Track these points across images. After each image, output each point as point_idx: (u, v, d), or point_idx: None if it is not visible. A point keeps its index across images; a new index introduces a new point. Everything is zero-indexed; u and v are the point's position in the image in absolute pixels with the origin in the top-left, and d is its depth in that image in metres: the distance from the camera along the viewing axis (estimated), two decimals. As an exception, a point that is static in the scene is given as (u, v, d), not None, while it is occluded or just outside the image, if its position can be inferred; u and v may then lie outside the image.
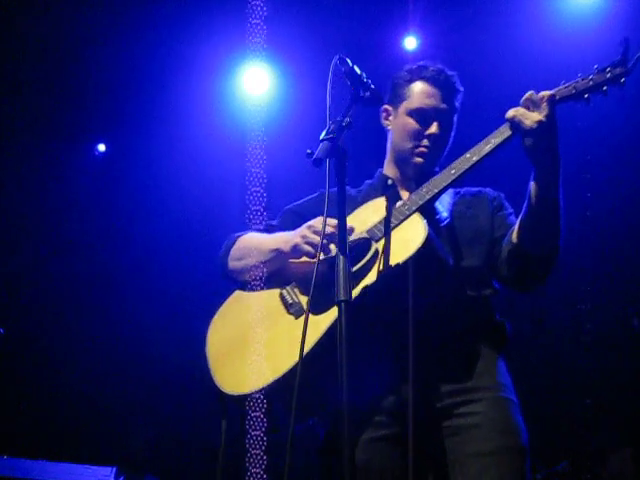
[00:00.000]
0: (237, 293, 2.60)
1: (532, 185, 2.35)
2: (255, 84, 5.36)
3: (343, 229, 2.11)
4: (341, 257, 2.05)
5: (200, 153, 5.52)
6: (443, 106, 2.60)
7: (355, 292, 2.25)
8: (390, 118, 2.71)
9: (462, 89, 2.68)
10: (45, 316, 5.60)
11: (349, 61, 2.27)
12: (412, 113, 2.60)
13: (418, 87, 2.61)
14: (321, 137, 2.13)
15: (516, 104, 2.39)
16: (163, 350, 5.39)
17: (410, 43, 5.31)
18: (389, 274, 2.29)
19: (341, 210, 2.12)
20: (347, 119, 2.17)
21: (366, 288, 2.29)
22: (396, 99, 2.67)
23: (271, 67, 5.31)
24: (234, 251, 2.63)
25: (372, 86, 2.30)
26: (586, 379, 4.62)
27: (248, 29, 4.44)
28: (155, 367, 5.44)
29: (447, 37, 5.15)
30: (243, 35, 4.49)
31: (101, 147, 6.05)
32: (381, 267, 2.32)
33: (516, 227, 2.44)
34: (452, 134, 2.66)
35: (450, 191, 2.64)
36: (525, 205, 2.39)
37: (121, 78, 5.42)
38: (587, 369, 4.60)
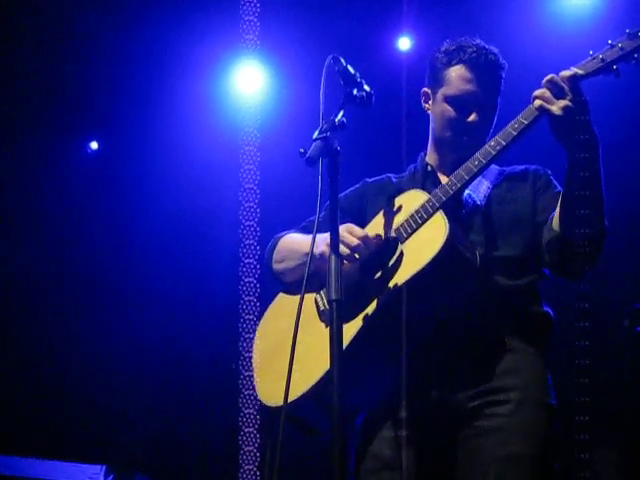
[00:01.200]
0: (280, 296, 2.63)
1: (569, 170, 2.27)
2: (248, 83, 5.35)
3: (336, 231, 2.10)
4: (333, 257, 2.04)
5: (193, 151, 5.51)
6: (482, 93, 2.48)
7: (375, 302, 2.26)
8: (430, 102, 2.62)
9: (505, 64, 2.55)
10: (34, 313, 5.58)
11: (343, 60, 2.27)
12: (451, 100, 2.50)
13: (456, 72, 2.50)
14: (314, 136, 2.12)
15: (511, 104, 2.37)
16: (154, 348, 5.38)
17: (404, 44, 5.31)
18: (407, 283, 2.26)
19: (333, 211, 2.11)
20: (340, 118, 2.17)
21: (386, 295, 2.28)
22: (434, 83, 2.57)
23: (265, 66, 5.30)
24: (276, 253, 2.65)
25: (366, 86, 2.29)
26: (575, 379, 4.63)
27: (242, 27, 4.44)
28: (146, 365, 5.43)
29: (441, 38, 5.12)
30: (237, 33, 4.48)
31: (93, 145, 6.02)
32: (405, 272, 2.28)
33: (556, 214, 2.34)
34: (494, 118, 2.54)
35: (494, 171, 2.55)
36: (564, 191, 2.31)
37: (114, 75, 5.41)
38: (576, 370, 4.61)
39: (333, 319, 1.98)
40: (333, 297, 2.00)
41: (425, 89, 2.65)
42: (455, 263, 2.28)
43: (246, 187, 4.26)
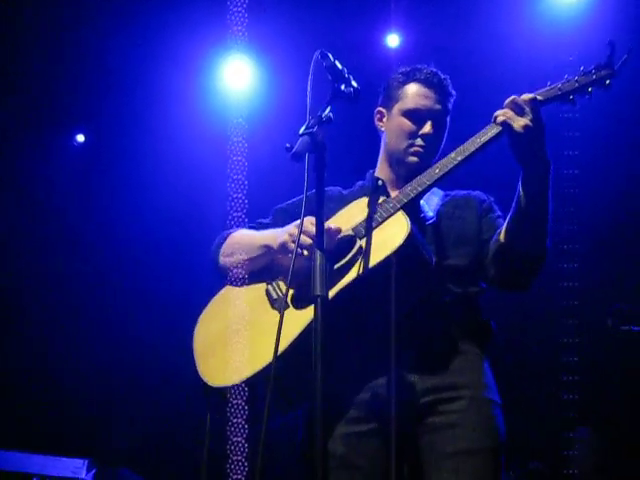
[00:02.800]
0: (226, 289, 2.64)
1: (521, 186, 2.36)
2: (236, 77, 5.35)
3: (321, 224, 2.10)
4: (318, 252, 2.04)
5: (181, 145, 5.50)
6: (437, 107, 2.62)
7: (337, 288, 2.28)
8: (384, 120, 2.72)
9: (454, 93, 2.70)
10: (19, 308, 5.55)
11: (331, 56, 2.27)
12: (407, 113, 2.62)
13: (412, 88, 2.64)
14: (300, 131, 2.12)
15: (499, 103, 2.39)
16: (140, 343, 5.37)
17: (392, 40, 5.32)
18: (371, 270, 2.30)
19: (319, 205, 2.11)
20: (327, 114, 2.17)
21: (348, 284, 2.30)
22: (390, 101, 2.69)
23: (253, 60, 5.30)
24: (225, 247, 2.67)
25: (353, 82, 2.30)
26: (559, 378, 4.66)
27: (230, 22, 4.42)
28: (132, 359, 5.42)
29: (430, 35, 5.16)
30: (225, 28, 4.47)
31: (80, 137, 6.00)
32: (364, 263, 2.33)
33: (504, 227, 2.45)
34: (445, 135, 2.67)
35: (440, 193, 2.68)
36: (514, 205, 2.40)
37: (101, 68, 5.39)
38: (561, 368, 4.64)
39: (317, 314, 1.97)
40: (318, 293, 1.99)
41: (379, 108, 2.75)
42: (413, 260, 2.34)
43: (234, 178, 4.25)
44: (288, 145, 2.09)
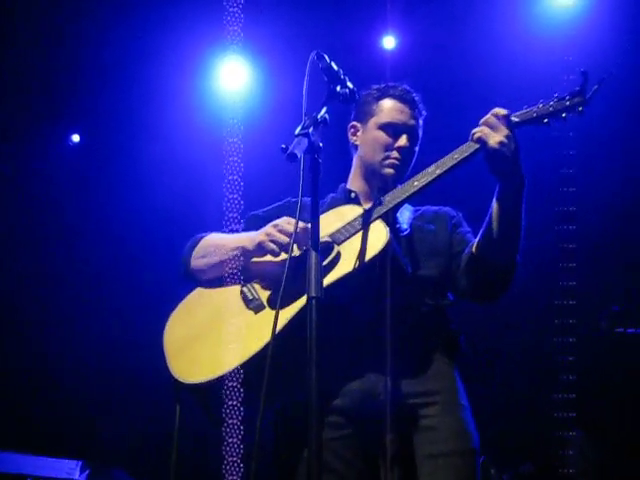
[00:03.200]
0: (198, 290, 2.66)
1: (495, 200, 2.42)
2: (232, 78, 5.34)
3: (316, 225, 2.10)
4: (313, 253, 2.05)
5: (177, 146, 5.49)
6: (412, 122, 2.71)
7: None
8: (358, 134, 2.79)
9: (425, 113, 2.79)
10: (11, 308, 5.54)
11: (327, 57, 2.28)
12: (383, 127, 2.70)
13: (388, 103, 2.72)
14: (296, 132, 2.13)
15: (495, 105, 2.42)
16: (134, 343, 5.36)
17: (388, 42, 5.32)
18: (349, 276, 2.34)
19: (314, 206, 2.12)
20: (323, 115, 2.19)
21: (326, 289, 2.29)
22: (365, 115, 2.77)
23: (249, 61, 5.29)
24: (197, 250, 2.68)
25: (349, 83, 2.32)
26: (551, 379, 4.66)
27: (226, 22, 4.42)
28: (123, 360, 5.40)
29: (426, 37, 5.16)
30: (221, 28, 4.47)
31: (75, 137, 5.99)
32: (342, 269, 2.38)
33: (476, 239, 2.53)
34: (417, 150, 2.75)
35: (411, 208, 2.76)
36: (487, 218, 2.46)
37: (96, 68, 5.38)
38: (552, 369, 4.64)
39: (311, 317, 1.98)
40: (312, 294, 2.00)
41: (353, 123, 2.82)
42: (391, 267, 2.40)
43: (230, 179, 4.25)
44: (284, 146, 2.09)
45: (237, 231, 2.79)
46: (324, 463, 2.28)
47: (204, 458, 4.78)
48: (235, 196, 4.13)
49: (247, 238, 2.56)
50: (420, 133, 2.75)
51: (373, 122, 2.72)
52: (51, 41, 5.23)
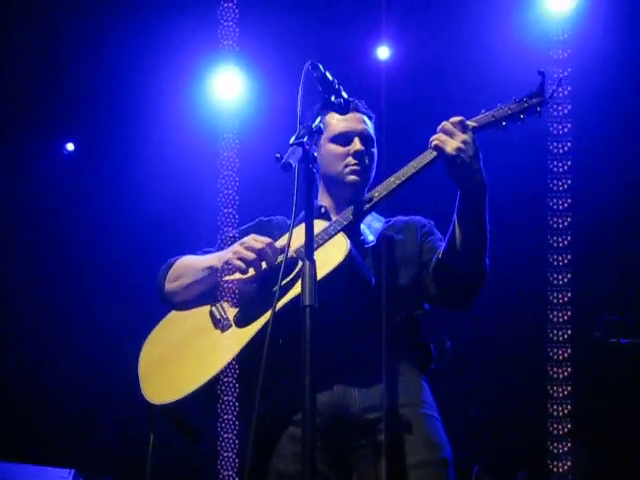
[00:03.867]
0: (172, 313, 2.70)
1: (457, 206, 2.43)
2: (227, 88, 5.35)
3: (311, 233, 2.10)
4: (307, 262, 2.05)
5: (171, 155, 5.49)
6: (361, 126, 2.73)
7: (279, 305, 2.32)
8: (316, 154, 2.77)
9: (373, 115, 2.81)
10: (7, 315, 5.52)
11: (321, 67, 2.28)
12: (334, 139, 2.72)
13: (333, 117, 2.72)
14: (290, 142, 2.13)
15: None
16: (125, 352, 5.33)
17: (383, 52, 5.34)
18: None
19: (309, 215, 2.12)
20: (317, 124, 2.20)
21: (289, 301, 2.35)
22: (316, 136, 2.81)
23: (243, 71, 5.30)
24: (171, 273, 2.72)
25: (344, 93, 2.33)
26: (542, 387, 4.66)
27: (220, 33, 4.44)
28: (116, 369, 5.38)
29: (420, 47, 5.18)
30: (215, 39, 4.48)
31: (69, 146, 5.99)
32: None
33: (443, 246, 2.53)
34: (375, 151, 2.76)
35: (382, 220, 2.77)
36: (452, 224, 2.47)
37: (92, 77, 5.38)
38: (543, 378, 4.64)
39: (306, 325, 1.98)
40: (307, 303, 2.00)
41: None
42: (353, 279, 2.42)
43: (225, 193, 4.26)
44: (278, 155, 2.10)
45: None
46: (296, 476, 2.27)
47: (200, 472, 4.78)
48: (230, 210, 4.14)
49: (216, 258, 2.59)
50: (373, 134, 2.76)
51: (324, 138, 2.73)
52: (45, 49, 5.24)
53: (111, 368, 5.36)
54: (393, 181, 2.54)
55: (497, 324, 5.32)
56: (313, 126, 2.18)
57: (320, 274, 2.22)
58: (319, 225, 2.57)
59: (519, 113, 2.47)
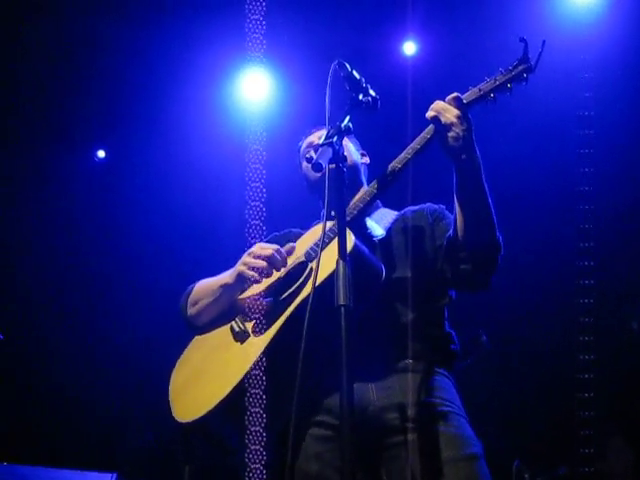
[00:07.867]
0: (195, 339, 2.73)
1: (455, 179, 2.42)
2: (254, 89, 5.37)
3: (343, 234, 2.09)
4: (341, 262, 2.04)
5: (199, 158, 5.52)
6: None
7: (292, 308, 2.36)
8: (345, 153, 2.83)
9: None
10: (42, 322, 5.59)
11: (348, 66, 2.28)
12: (305, 159, 2.74)
13: (303, 142, 2.93)
14: (320, 142, 2.13)
15: (514, 109, 2.41)
16: (161, 357, 5.37)
17: (409, 48, 5.32)
18: (320, 286, 2.28)
19: (341, 214, 2.11)
20: (346, 124, 2.19)
21: (300, 302, 2.36)
22: (300, 165, 2.93)
23: (270, 72, 5.31)
24: (191, 298, 2.75)
25: (371, 91, 2.32)
26: (584, 384, 4.62)
27: (247, 34, 4.45)
28: (155, 372, 5.42)
29: (446, 42, 5.15)
30: (242, 40, 4.49)
31: (100, 153, 6.04)
32: (313, 282, 2.32)
33: (452, 226, 2.50)
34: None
35: (393, 213, 2.75)
36: (454, 200, 2.45)
37: (121, 84, 5.42)
38: (585, 374, 4.60)
39: (342, 324, 1.96)
40: (341, 302, 1.98)
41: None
42: (362, 272, 2.35)
43: (253, 186, 4.27)
44: (309, 155, 2.10)
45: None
46: (322, 476, 2.32)
47: None
48: (258, 203, 4.15)
49: (228, 275, 2.62)
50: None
51: (300, 162, 2.88)
52: (76, 57, 5.29)
53: (151, 371, 5.41)
54: (392, 168, 2.54)
55: (523, 314, 5.25)
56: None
57: (328, 270, 2.22)
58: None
59: (506, 82, 2.49)
